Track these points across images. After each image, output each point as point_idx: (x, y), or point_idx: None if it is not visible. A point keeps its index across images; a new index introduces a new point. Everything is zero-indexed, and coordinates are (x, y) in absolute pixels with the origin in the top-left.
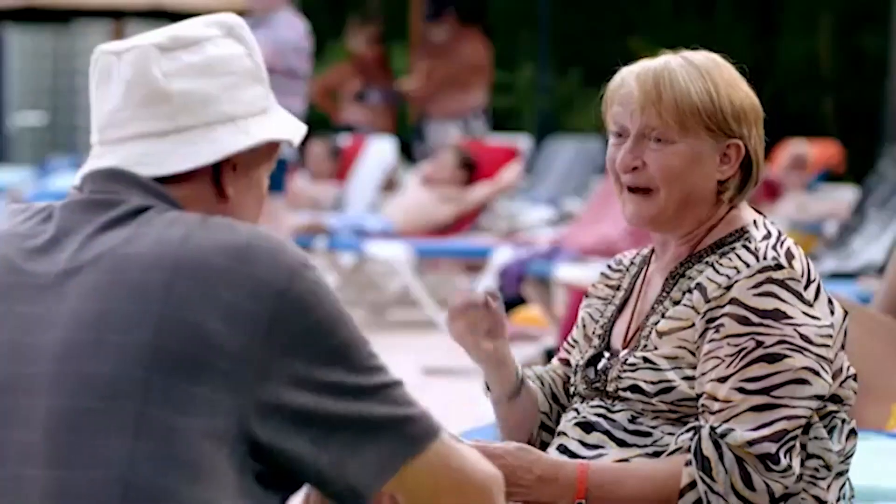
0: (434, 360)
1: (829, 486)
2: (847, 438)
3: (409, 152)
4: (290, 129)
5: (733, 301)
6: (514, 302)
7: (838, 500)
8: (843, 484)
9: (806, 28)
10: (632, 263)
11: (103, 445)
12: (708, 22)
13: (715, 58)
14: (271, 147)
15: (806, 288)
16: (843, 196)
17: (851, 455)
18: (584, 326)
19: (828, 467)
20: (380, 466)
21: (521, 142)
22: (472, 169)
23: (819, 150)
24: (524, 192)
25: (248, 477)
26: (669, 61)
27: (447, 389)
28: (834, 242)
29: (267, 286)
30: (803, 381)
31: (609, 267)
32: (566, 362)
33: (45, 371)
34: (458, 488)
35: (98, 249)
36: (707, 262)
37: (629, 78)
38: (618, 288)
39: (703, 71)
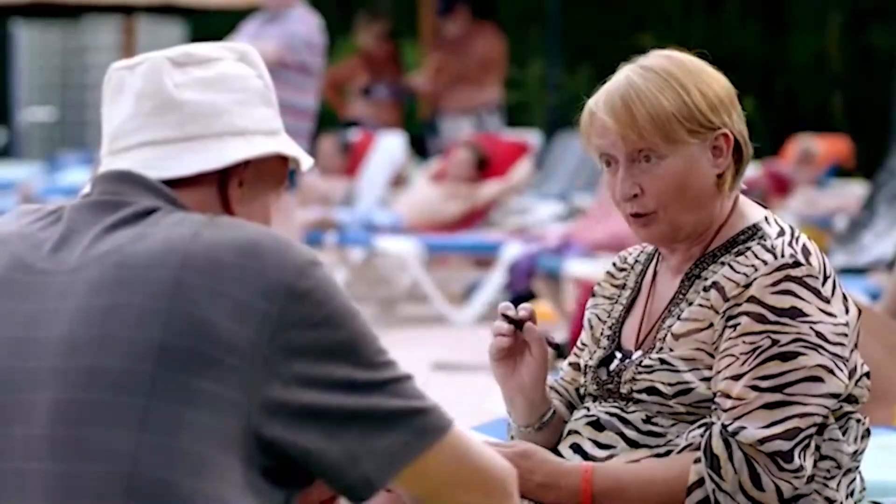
0: (444, 355)
1: (838, 485)
2: (861, 439)
3: (417, 147)
4: (299, 152)
5: (752, 299)
6: (524, 297)
7: (847, 496)
8: (853, 479)
9: (815, 24)
10: (636, 261)
11: (108, 438)
12: (717, 18)
13: (669, 55)
14: (280, 172)
15: (823, 284)
16: (853, 191)
17: (862, 452)
18: (592, 328)
19: (839, 467)
20: (392, 457)
21: (532, 137)
22: (484, 165)
23: (828, 146)
24: (534, 188)
25: (255, 472)
26: (629, 76)
27: (457, 384)
28: (844, 237)
29: (275, 283)
30: (817, 379)
31: (614, 265)
32: (577, 367)
33: (49, 365)
34: (473, 481)
35: (106, 247)
36: (722, 262)
37: (597, 109)
38: (623, 287)
39: (664, 75)
